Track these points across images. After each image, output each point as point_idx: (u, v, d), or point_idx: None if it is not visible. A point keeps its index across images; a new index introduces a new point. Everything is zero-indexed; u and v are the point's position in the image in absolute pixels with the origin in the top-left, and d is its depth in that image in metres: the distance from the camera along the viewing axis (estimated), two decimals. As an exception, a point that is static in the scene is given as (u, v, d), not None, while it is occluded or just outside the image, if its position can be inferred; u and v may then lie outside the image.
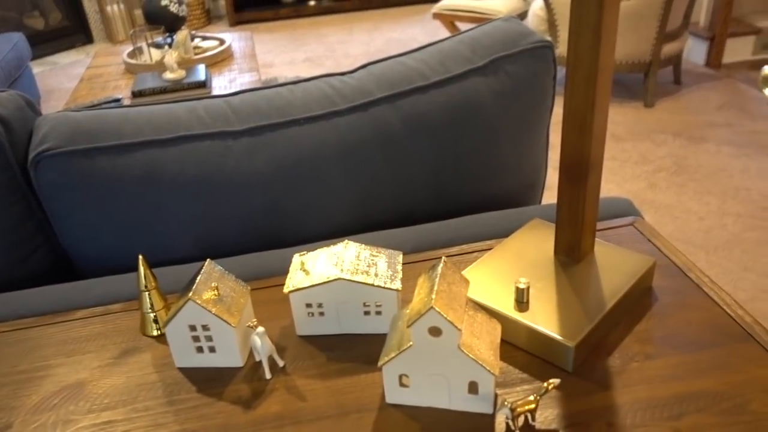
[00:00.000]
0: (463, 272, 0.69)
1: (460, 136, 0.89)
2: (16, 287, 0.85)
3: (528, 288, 0.63)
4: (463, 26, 4.15)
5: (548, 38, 0.87)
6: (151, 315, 0.69)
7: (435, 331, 0.53)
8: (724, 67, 3.48)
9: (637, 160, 2.63)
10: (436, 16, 3.61)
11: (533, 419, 0.55)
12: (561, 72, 3.57)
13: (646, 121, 2.95)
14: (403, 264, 0.77)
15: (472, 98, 0.89)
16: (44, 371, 0.66)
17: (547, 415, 0.56)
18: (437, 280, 0.54)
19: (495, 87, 0.90)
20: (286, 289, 0.64)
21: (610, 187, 2.45)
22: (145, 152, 0.81)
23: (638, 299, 0.68)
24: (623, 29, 2.91)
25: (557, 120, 2.94)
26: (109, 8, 4.71)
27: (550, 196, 2.41)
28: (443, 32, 4.46)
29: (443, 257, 0.57)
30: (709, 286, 0.69)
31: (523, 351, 0.63)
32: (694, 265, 0.72)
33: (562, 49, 3.11)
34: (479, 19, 3.46)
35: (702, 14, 3.57)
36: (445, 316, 0.51)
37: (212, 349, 0.63)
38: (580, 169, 0.64)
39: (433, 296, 0.52)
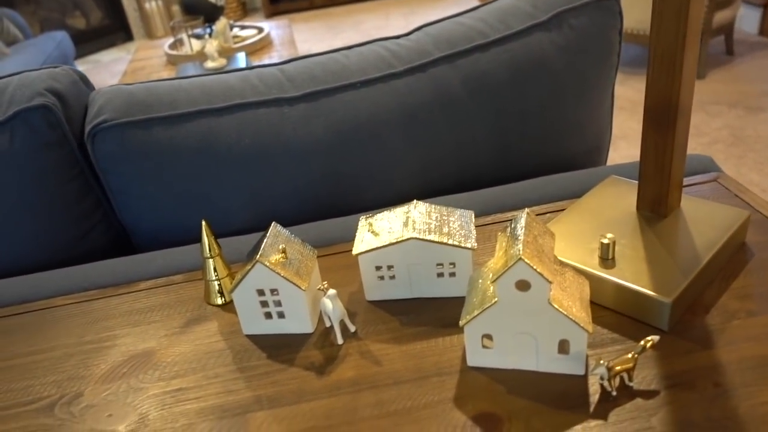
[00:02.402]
0: (540, 230, 0.65)
1: (525, 95, 0.84)
2: (77, 262, 0.84)
3: (614, 243, 0.59)
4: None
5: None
6: (216, 283, 0.66)
7: (523, 285, 0.49)
8: (779, 34, 3.32)
9: (692, 132, 2.52)
10: (475, -5, 3.53)
11: (630, 379, 0.50)
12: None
13: (699, 92, 2.83)
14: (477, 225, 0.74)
15: (535, 55, 0.84)
16: (111, 341, 0.64)
17: (645, 375, 0.51)
18: (523, 231, 0.50)
19: (559, 42, 0.86)
20: (355, 251, 0.61)
21: (664, 161, 2.36)
22: (200, 122, 0.79)
23: (733, 255, 0.63)
24: (672, -2, 2.80)
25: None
26: (147, 5, 4.77)
27: (614, 158, 2.33)
28: (481, 13, 4.37)
29: (526, 209, 0.53)
30: (810, 239, 0.64)
31: (611, 311, 0.59)
32: (790, 219, 0.67)
33: None
34: None
35: (754, -20, 3.41)
36: (534, 267, 0.48)
37: (281, 315, 0.60)
38: (668, 115, 0.59)
39: (520, 247, 0.48)
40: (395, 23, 4.49)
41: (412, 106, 0.82)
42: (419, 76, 0.83)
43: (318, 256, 0.73)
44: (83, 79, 0.87)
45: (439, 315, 0.61)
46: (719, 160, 2.31)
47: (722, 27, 2.94)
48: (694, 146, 2.42)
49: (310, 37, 4.46)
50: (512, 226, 0.53)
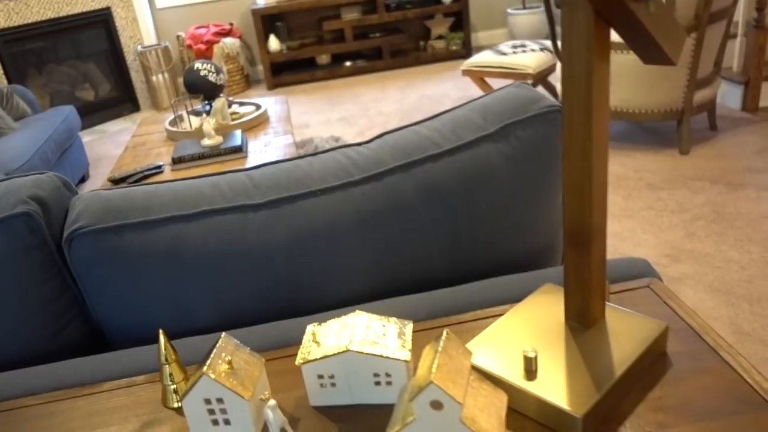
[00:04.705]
0: (472, 340, 0.70)
1: (474, 202, 0.91)
2: (52, 357, 0.89)
3: (536, 357, 0.64)
4: (492, 82, 4.22)
5: (558, 103, 0.89)
6: (172, 387, 0.71)
7: (436, 405, 0.54)
8: (761, 110, 3.43)
9: (674, 208, 2.58)
10: (466, 72, 3.68)
11: (540, 494, 0.54)
12: (593, 122, 3.57)
13: (682, 168, 2.91)
14: (416, 331, 0.79)
15: (484, 164, 0.91)
16: (70, 444, 0.68)
17: (556, 488, 0.55)
18: (438, 353, 0.55)
19: (506, 152, 0.92)
20: (297, 362, 0.66)
21: (647, 237, 2.41)
22: (169, 227, 0.86)
23: (652, 365, 0.67)
24: (653, 78, 2.92)
25: (590, 171, 2.92)
26: (154, 78, 4.96)
27: None
28: (474, 88, 4.53)
29: (445, 330, 0.58)
30: (726, 350, 0.68)
31: (533, 420, 0.63)
32: (711, 329, 0.72)
33: (591, 100, 3.11)
34: (508, 74, 3.52)
35: (735, 59, 3.55)
36: (445, 390, 0.52)
37: (227, 422, 0.65)
38: (583, 238, 0.65)
39: (434, 370, 0.53)
40: (392, 96, 4.65)
41: (368, 213, 0.88)
42: (375, 185, 0.89)
43: (272, 359, 0.77)
44: (66, 184, 0.94)
45: (375, 422, 0.65)
46: (700, 237, 2.36)
47: (704, 104, 3.05)
48: (676, 222, 2.47)
49: (309, 109, 4.61)
50: (433, 345, 0.58)
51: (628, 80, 2.96)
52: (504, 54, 3.58)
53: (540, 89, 3.57)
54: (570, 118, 0.60)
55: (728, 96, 3.55)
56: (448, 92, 4.59)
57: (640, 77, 2.94)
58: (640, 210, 2.61)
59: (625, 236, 2.44)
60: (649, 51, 0.58)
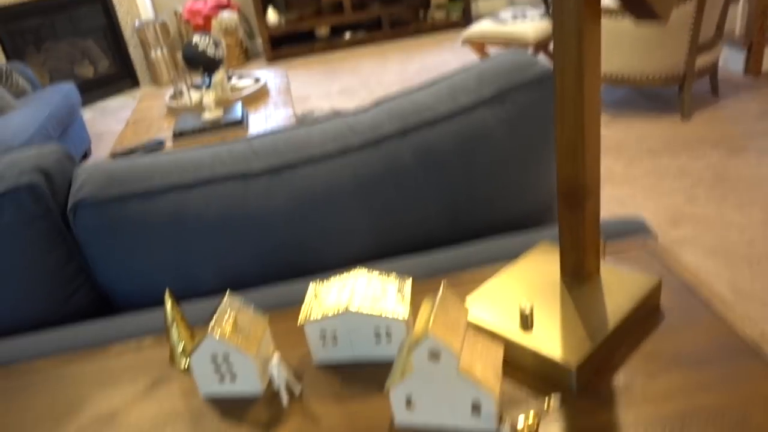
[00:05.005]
0: (469, 296, 0.72)
1: (470, 165, 0.92)
2: (61, 324, 0.91)
3: (531, 311, 0.66)
4: (493, 50, 4.19)
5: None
6: (179, 347, 0.73)
7: (434, 356, 0.56)
8: (764, 74, 3.40)
9: (675, 174, 2.59)
10: (466, 41, 3.66)
11: (535, 438, 0.56)
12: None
13: (684, 134, 2.91)
14: (416, 290, 0.80)
15: (480, 129, 0.92)
16: (81, 403, 0.71)
17: (551, 431, 0.57)
18: (435, 306, 0.57)
19: (502, 116, 0.93)
20: (300, 321, 0.68)
21: (648, 203, 2.42)
22: (171, 196, 0.87)
23: (645, 319, 0.69)
24: (654, 43, 2.90)
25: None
26: (153, 53, 4.94)
27: None
28: (474, 57, 4.50)
29: (443, 283, 0.60)
30: (718, 304, 0.70)
31: (529, 372, 0.65)
32: (705, 284, 0.73)
33: (592, 66, 3.10)
34: (508, 43, 3.49)
35: (737, 23, 3.51)
36: (442, 341, 0.54)
37: (233, 378, 0.67)
38: (577, 196, 0.66)
39: (431, 323, 0.55)
40: (392, 67, 4.62)
41: (366, 178, 0.89)
42: (373, 150, 0.90)
43: (276, 319, 0.79)
44: (69, 156, 0.95)
45: (376, 377, 0.67)
46: (701, 201, 2.37)
47: (706, 69, 3.03)
48: (677, 188, 2.48)
49: (308, 81, 4.59)
50: (431, 300, 0.60)
51: (630, 46, 2.94)
52: (504, 22, 3.55)
53: (541, 57, 3.55)
54: (562, 78, 0.61)
55: (731, 60, 3.52)
56: (448, 62, 4.56)
57: (641, 42, 2.91)
58: (641, 176, 2.62)
59: (625, 202, 2.45)
60: (639, 7, 0.58)
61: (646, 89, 3.45)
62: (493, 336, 0.66)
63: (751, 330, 0.66)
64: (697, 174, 2.56)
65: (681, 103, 3.01)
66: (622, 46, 2.96)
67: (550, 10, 3.52)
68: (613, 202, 2.46)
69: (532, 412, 0.56)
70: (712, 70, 3.11)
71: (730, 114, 3.03)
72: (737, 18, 3.51)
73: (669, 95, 3.34)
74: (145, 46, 4.96)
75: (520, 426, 0.55)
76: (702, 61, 2.97)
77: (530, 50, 3.46)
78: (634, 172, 2.65)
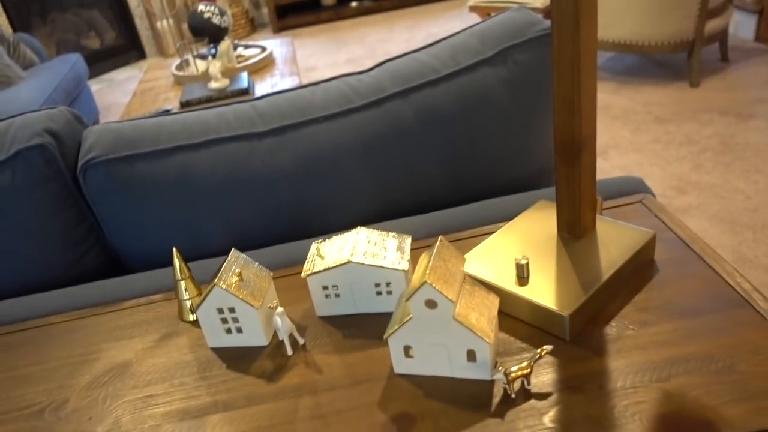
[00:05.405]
0: (468, 252, 0.74)
1: (472, 125, 0.93)
2: (73, 283, 0.94)
3: (527, 264, 0.67)
4: (501, 17, 4.14)
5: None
6: (187, 302, 0.76)
7: (431, 304, 0.58)
8: (775, 40, 3.36)
9: (682, 141, 2.58)
10: (473, 8, 3.62)
11: (528, 383, 0.59)
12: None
13: (692, 100, 2.88)
14: (415, 248, 0.82)
15: (481, 88, 0.93)
16: (96, 354, 0.74)
17: (544, 380, 0.60)
18: (433, 256, 0.59)
19: (504, 76, 0.94)
20: (303, 274, 0.70)
21: (654, 170, 2.42)
22: (178, 156, 0.89)
23: (639, 271, 0.71)
24: (663, 8, 2.86)
25: (598, 105, 2.91)
26: (158, 24, 4.92)
27: (605, 168, 2.40)
28: (482, 24, 4.46)
29: (440, 237, 0.62)
30: (712, 256, 0.71)
31: (525, 323, 0.67)
32: (699, 238, 0.75)
33: (601, 33, 3.07)
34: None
35: (749, -13, 3.45)
36: (438, 289, 0.56)
37: (239, 330, 0.69)
38: (573, 150, 0.67)
39: (428, 272, 0.57)
40: (399, 36, 4.59)
41: (370, 138, 0.91)
42: (375, 110, 0.92)
43: (280, 276, 0.82)
44: (77, 118, 0.97)
45: (376, 328, 0.70)
46: (707, 168, 2.37)
47: (715, 35, 2.99)
48: (684, 155, 2.47)
49: (315, 51, 4.57)
50: (428, 252, 0.61)
51: (639, 12, 2.91)
52: (511, -12, 3.50)
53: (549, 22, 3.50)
54: (558, 32, 0.62)
55: (741, 26, 3.47)
56: (455, 29, 4.51)
57: (651, 8, 2.88)
58: (648, 143, 2.61)
59: (631, 169, 2.45)
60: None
61: (655, 56, 3.41)
62: (490, 288, 0.68)
63: (740, 279, 0.67)
64: (704, 141, 2.55)
65: (690, 70, 2.98)
66: (632, 12, 2.92)
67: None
68: (619, 169, 2.46)
69: (526, 362, 0.58)
70: (722, 36, 3.07)
71: (740, 81, 3.00)
72: (749, -18, 3.45)
73: (678, 62, 3.30)
74: (150, 16, 4.94)
75: (513, 373, 0.57)
76: (712, 26, 2.93)
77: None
78: (641, 139, 2.64)
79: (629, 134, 2.70)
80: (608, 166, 2.49)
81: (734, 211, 2.11)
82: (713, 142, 2.54)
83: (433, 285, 0.56)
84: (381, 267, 0.68)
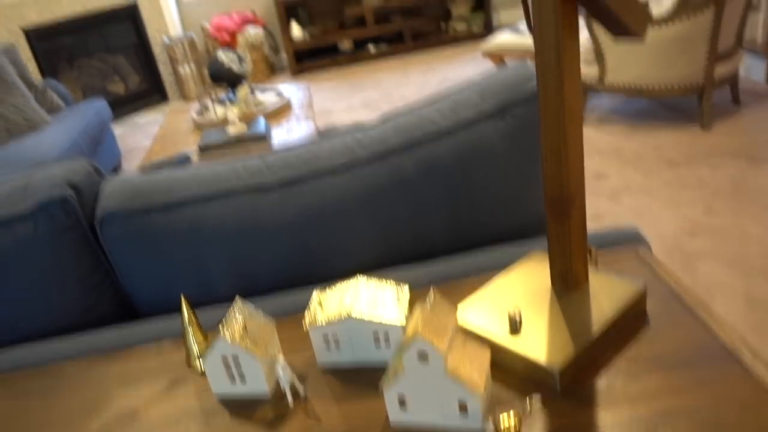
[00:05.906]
0: (461, 302, 0.76)
1: (472, 177, 0.96)
2: (88, 327, 0.98)
3: (519, 316, 0.70)
4: (513, 62, 4.22)
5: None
6: (194, 349, 0.79)
7: (423, 357, 0.60)
8: (786, 83, 3.38)
9: (694, 184, 2.59)
10: (486, 54, 3.70)
11: (518, 434, 0.60)
12: (604, 98, 3.57)
13: (703, 144, 2.90)
14: (416, 297, 0.85)
15: (481, 142, 0.96)
16: (106, 401, 0.77)
17: (535, 429, 0.61)
18: (425, 310, 0.62)
19: (503, 130, 0.98)
20: (304, 326, 0.73)
21: (665, 213, 2.43)
22: (190, 208, 0.93)
23: (631, 324, 0.73)
24: (671, 52, 2.91)
25: (609, 148, 2.93)
26: (181, 69, 5.08)
27: (616, 212, 2.42)
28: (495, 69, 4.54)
29: (432, 288, 0.65)
30: (703, 309, 0.73)
31: (517, 375, 0.69)
32: (691, 290, 0.76)
33: (610, 77, 3.12)
34: (526, 54, 3.53)
35: (759, 31, 3.50)
36: (430, 342, 0.59)
37: (243, 379, 0.72)
38: (562, 204, 0.70)
39: (420, 326, 0.60)
40: (414, 80, 4.68)
41: (373, 191, 0.94)
42: (379, 164, 0.96)
43: (284, 324, 0.85)
44: (96, 170, 1.02)
45: (374, 379, 0.72)
46: (719, 212, 2.37)
47: (726, 78, 3.02)
48: (695, 198, 2.48)
49: (331, 95, 4.68)
50: (422, 304, 0.64)
51: (647, 56, 2.96)
52: (522, 34, 3.59)
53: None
54: (544, 90, 0.65)
55: (753, 69, 3.50)
56: (469, 75, 4.60)
57: (659, 52, 2.93)
58: (659, 186, 2.63)
59: (642, 212, 2.46)
60: (615, 25, 0.62)
61: (666, 100, 3.45)
62: (481, 340, 0.70)
63: (731, 334, 0.69)
64: (715, 184, 2.56)
65: (701, 113, 3.01)
66: (640, 56, 2.97)
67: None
68: (630, 212, 2.48)
69: (512, 412, 0.60)
70: (733, 79, 3.10)
71: (752, 124, 3.01)
72: (759, 25, 3.49)
73: (689, 105, 3.33)
74: (173, 62, 5.11)
75: (503, 425, 0.59)
76: (722, 70, 2.97)
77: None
78: (653, 183, 2.66)
79: (641, 177, 2.72)
80: (620, 209, 2.50)
81: (746, 255, 2.10)
82: (725, 185, 2.54)
83: (425, 338, 0.59)
84: (379, 322, 0.71)
